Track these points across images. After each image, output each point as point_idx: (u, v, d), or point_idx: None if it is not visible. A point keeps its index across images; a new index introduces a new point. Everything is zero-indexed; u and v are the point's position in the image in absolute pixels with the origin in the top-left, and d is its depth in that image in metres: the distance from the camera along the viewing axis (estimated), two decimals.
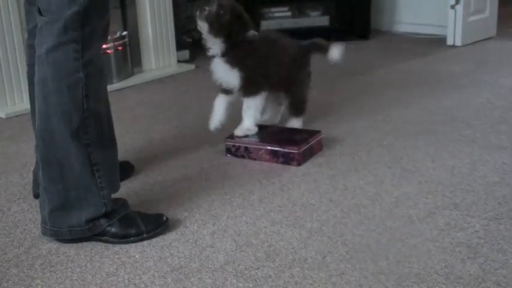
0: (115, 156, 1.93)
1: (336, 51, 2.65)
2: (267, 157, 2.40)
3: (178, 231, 1.90)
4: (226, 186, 2.20)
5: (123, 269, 1.72)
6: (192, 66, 3.91)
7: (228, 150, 2.48)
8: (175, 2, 3.92)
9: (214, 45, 2.42)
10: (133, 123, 2.92)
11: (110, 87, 3.36)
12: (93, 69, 1.77)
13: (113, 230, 1.85)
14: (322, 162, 2.38)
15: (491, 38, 4.37)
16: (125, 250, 1.81)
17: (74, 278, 1.69)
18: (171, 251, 1.80)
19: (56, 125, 1.76)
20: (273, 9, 4.43)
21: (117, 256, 1.79)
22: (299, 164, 2.35)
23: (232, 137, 2.48)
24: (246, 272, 1.68)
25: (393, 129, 2.68)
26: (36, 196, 2.12)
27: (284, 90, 2.60)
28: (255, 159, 2.42)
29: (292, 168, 2.33)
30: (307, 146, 2.40)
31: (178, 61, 3.95)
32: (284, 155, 2.37)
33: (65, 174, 1.80)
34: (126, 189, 2.15)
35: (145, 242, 1.84)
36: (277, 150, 2.38)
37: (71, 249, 1.83)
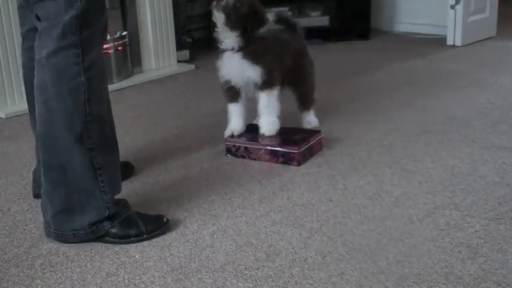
0: (117, 159, 1.93)
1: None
2: (267, 157, 2.40)
3: (178, 231, 1.90)
4: (226, 186, 2.20)
5: (123, 269, 1.72)
6: (192, 66, 3.91)
7: (228, 150, 2.48)
8: (175, 2, 3.93)
9: (228, 39, 2.37)
10: (134, 123, 2.92)
11: (110, 87, 3.36)
12: (95, 72, 1.77)
13: (113, 230, 1.84)
14: (322, 162, 2.38)
15: (491, 38, 4.38)
16: (124, 250, 1.81)
17: (74, 278, 1.69)
18: (171, 251, 1.80)
19: (58, 129, 1.75)
20: (273, 9, 4.42)
21: (117, 256, 1.79)
22: (299, 164, 2.35)
23: (233, 137, 2.48)
24: (246, 272, 1.68)
25: (393, 129, 2.69)
26: (36, 196, 2.13)
27: (291, 84, 2.59)
28: (255, 159, 2.42)
29: (292, 168, 2.33)
30: (307, 146, 2.40)
31: (178, 61, 3.95)
32: (284, 155, 2.37)
33: (67, 179, 1.79)
34: (126, 189, 2.15)
35: (145, 242, 1.84)
36: (277, 150, 2.38)
37: (71, 249, 1.83)
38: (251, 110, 2.52)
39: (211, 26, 4.64)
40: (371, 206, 2.02)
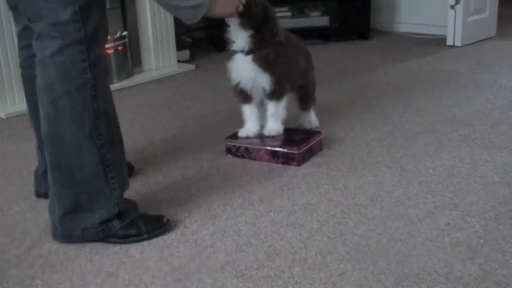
0: (123, 155, 1.92)
1: None
2: (267, 157, 2.40)
3: (178, 231, 1.90)
4: (226, 186, 2.20)
5: (123, 269, 1.72)
6: (192, 66, 3.91)
7: (228, 150, 2.48)
8: None
9: (240, 39, 2.34)
10: (134, 123, 2.92)
11: (110, 87, 3.39)
12: (100, 68, 1.76)
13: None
14: (322, 162, 2.38)
15: (491, 38, 4.37)
16: (125, 250, 1.81)
17: (74, 278, 1.69)
18: (171, 251, 1.80)
19: (67, 128, 1.74)
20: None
21: (117, 256, 1.79)
22: (299, 164, 2.35)
23: (234, 137, 2.47)
24: (246, 272, 1.68)
25: (393, 129, 2.69)
26: (38, 195, 2.13)
27: (297, 87, 2.57)
28: (255, 160, 2.42)
29: (292, 168, 2.33)
30: (307, 146, 2.40)
31: (178, 61, 3.95)
32: (284, 155, 2.37)
33: (75, 178, 1.79)
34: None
35: (145, 242, 1.84)
36: (277, 151, 2.38)
37: (71, 249, 1.83)
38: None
39: (212, 26, 4.66)
40: (371, 206, 2.02)
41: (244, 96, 2.43)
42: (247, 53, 2.34)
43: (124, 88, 3.51)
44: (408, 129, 2.68)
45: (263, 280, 1.64)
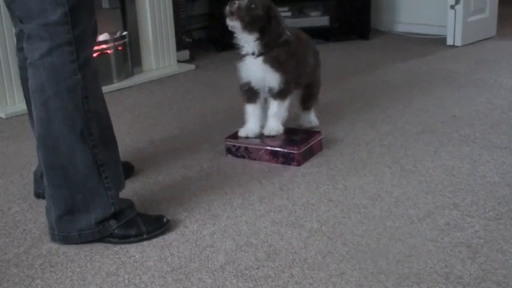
0: (118, 155, 1.92)
1: None
2: (267, 157, 2.40)
3: (178, 231, 1.90)
4: (226, 186, 2.20)
5: (123, 269, 1.72)
6: (192, 66, 3.91)
7: (228, 150, 2.48)
8: (175, 2, 3.92)
9: (247, 44, 2.34)
10: (134, 123, 2.92)
11: (110, 87, 3.40)
12: (89, 69, 1.76)
13: (115, 230, 1.84)
14: (322, 162, 2.38)
15: (491, 38, 4.37)
16: (125, 250, 1.81)
17: (74, 278, 1.69)
18: (171, 251, 1.80)
19: (59, 130, 1.75)
20: None
21: (117, 256, 1.79)
22: (299, 164, 2.35)
23: (234, 136, 2.47)
24: (246, 272, 1.68)
25: (393, 129, 2.69)
26: (37, 196, 2.13)
27: (303, 86, 2.57)
28: (255, 160, 2.42)
29: (292, 168, 2.33)
30: (307, 146, 2.40)
31: (178, 61, 3.95)
32: (284, 155, 2.37)
33: (70, 179, 1.79)
34: (126, 189, 2.14)
35: (145, 242, 1.84)
36: (277, 151, 2.38)
37: (71, 249, 1.83)
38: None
39: (211, 26, 4.66)
40: (371, 206, 2.02)
41: (250, 96, 2.43)
42: (258, 56, 2.35)
43: (124, 88, 3.51)
44: (408, 129, 2.68)
45: (263, 280, 1.64)
